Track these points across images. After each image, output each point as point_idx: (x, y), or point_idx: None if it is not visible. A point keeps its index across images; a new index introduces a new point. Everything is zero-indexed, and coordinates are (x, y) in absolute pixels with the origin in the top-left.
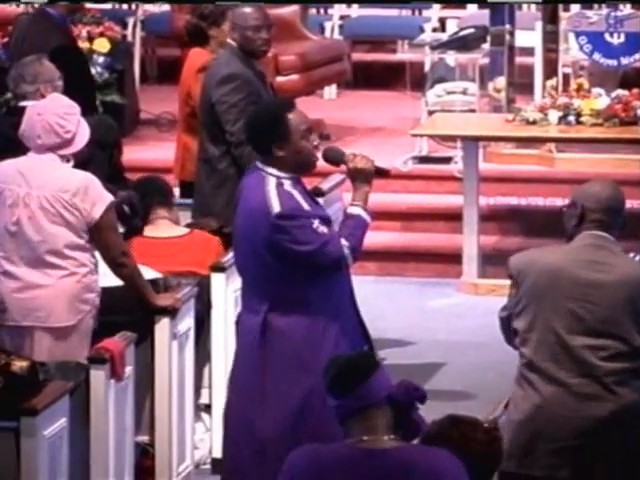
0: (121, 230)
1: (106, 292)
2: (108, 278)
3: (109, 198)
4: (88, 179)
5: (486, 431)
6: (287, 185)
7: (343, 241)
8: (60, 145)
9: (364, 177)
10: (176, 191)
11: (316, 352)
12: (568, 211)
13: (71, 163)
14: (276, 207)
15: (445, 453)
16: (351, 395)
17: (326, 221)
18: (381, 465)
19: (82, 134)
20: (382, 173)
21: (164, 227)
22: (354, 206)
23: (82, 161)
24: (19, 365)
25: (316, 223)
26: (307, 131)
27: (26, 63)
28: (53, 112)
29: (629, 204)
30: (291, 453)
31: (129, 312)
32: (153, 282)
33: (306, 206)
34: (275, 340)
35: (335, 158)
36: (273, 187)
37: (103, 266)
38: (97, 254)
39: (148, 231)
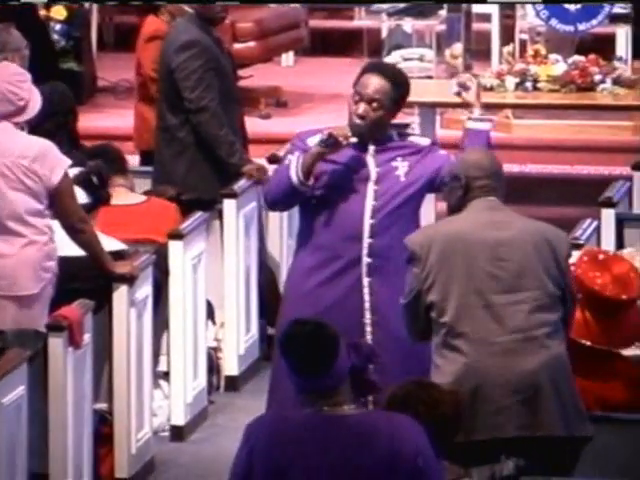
0: (87, 201)
1: (64, 260)
2: (67, 247)
3: (67, 162)
4: (46, 145)
5: (452, 393)
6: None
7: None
8: (14, 113)
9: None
10: (136, 159)
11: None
12: (449, 185)
13: (25, 131)
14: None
15: (406, 418)
16: (323, 376)
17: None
18: (344, 430)
19: (35, 101)
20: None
21: (121, 195)
22: (298, 158)
23: (46, 131)
24: None
25: (294, 156)
26: (358, 95)
27: None
28: (5, 80)
29: (586, 170)
30: (252, 421)
31: (87, 280)
32: (118, 253)
33: (312, 142)
34: None
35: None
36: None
37: (61, 235)
38: (53, 223)
39: None
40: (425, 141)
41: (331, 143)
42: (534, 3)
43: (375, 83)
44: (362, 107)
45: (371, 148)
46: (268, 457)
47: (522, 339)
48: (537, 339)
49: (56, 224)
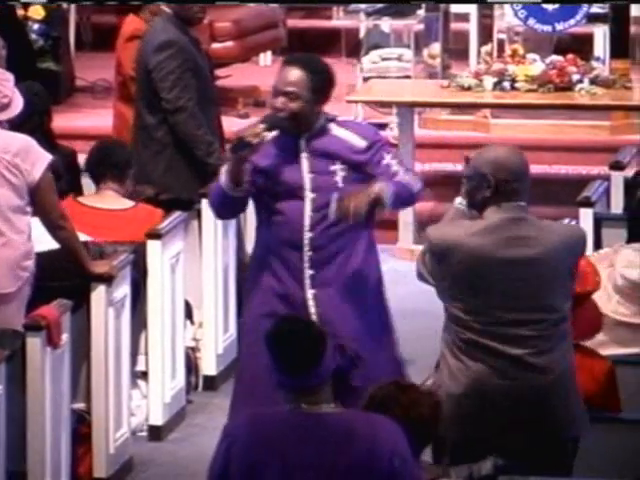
0: None
1: (42, 258)
2: (43, 244)
3: (48, 158)
4: (28, 140)
5: (431, 395)
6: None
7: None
8: None
9: None
10: None
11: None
12: (472, 182)
13: (5, 129)
14: None
15: (384, 419)
16: (308, 374)
17: (258, 172)
18: (322, 429)
19: (17, 100)
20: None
21: (109, 198)
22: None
23: (25, 132)
24: None
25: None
26: (275, 90)
27: None
28: None
29: (564, 170)
30: (231, 419)
31: (65, 279)
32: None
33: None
34: None
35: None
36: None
37: (38, 232)
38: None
39: (93, 200)
40: (362, 143)
41: (242, 146)
42: (534, 3)
43: (290, 75)
44: (279, 100)
45: (304, 152)
46: (245, 455)
47: (533, 354)
48: (546, 352)
49: (34, 221)
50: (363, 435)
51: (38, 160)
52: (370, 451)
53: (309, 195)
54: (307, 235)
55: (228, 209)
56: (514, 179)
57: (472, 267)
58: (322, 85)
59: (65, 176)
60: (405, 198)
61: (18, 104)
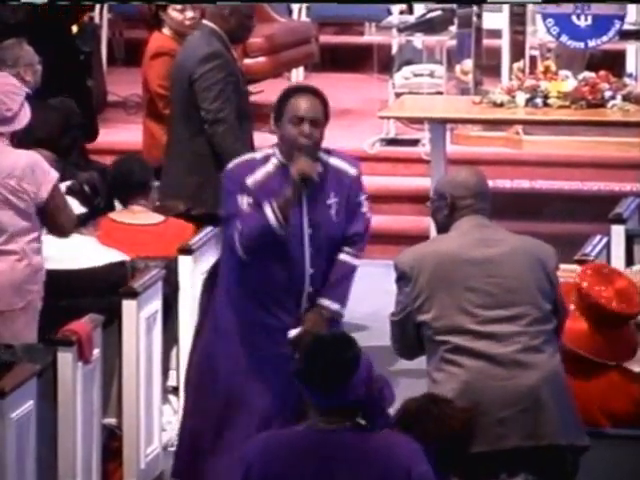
0: (83, 210)
1: (74, 275)
2: (76, 261)
3: (54, 176)
4: (32, 159)
5: (464, 410)
6: (271, 162)
7: (238, 225)
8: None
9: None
10: None
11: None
12: (434, 204)
13: (6, 142)
14: (230, 164)
15: (403, 437)
16: (331, 394)
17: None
18: (332, 444)
19: (23, 116)
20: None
21: (140, 214)
22: (267, 203)
23: (65, 146)
24: None
25: (243, 200)
26: (297, 117)
27: (6, 47)
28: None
29: (596, 186)
30: (247, 443)
31: (97, 295)
32: (121, 264)
33: (251, 182)
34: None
35: None
36: (259, 154)
37: (72, 250)
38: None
39: (123, 217)
40: (353, 170)
41: (307, 183)
42: (535, 3)
43: (311, 103)
44: (306, 128)
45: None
46: (264, 474)
47: (519, 350)
48: (533, 350)
49: (70, 239)
50: (377, 452)
51: (44, 180)
52: (384, 468)
53: (307, 231)
54: (308, 272)
55: (264, 246)
56: (469, 195)
57: (444, 270)
58: (328, 114)
59: (103, 192)
60: (348, 288)
61: (23, 120)
